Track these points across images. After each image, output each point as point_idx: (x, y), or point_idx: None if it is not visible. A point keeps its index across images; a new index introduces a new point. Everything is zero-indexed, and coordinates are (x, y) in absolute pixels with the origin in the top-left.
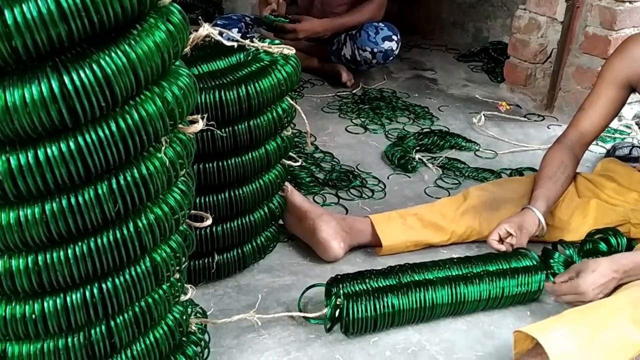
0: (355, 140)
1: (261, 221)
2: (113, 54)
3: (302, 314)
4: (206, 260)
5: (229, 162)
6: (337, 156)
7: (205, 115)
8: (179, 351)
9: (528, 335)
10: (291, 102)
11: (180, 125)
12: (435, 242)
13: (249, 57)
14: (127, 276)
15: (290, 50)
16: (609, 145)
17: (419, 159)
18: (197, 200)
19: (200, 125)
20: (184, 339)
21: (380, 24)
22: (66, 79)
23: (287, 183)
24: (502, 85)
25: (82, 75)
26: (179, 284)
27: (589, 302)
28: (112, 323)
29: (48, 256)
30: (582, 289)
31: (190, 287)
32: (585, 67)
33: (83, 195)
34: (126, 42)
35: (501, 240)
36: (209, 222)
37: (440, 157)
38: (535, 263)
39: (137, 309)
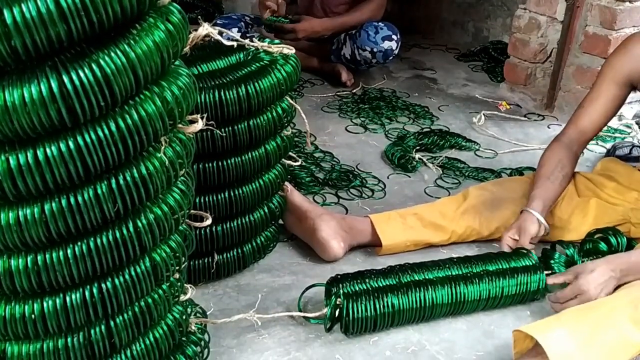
0: (355, 140)
1: (261, 221)
2: (112, 54)
3: (302, 314)
4: (206, 260)
5: (229, 161)
6: (337, 156)
7: (205, 115)
8: (179, 351)
9: (528, 334)
10: (291, 101)
11: (179, 125)
12: (435, 242)
13: (249, 57)
14: (127, 276)
15: (290, 50)
16: (609, 145)
17: (419, 158)
18: (197, 200)
19: (199, 125)
20: (183, 338)
21: (380, 23)
22: (65, 79)
23: (287, 183)
24: (502, 85)
25: (82, 75)
26: (179, 283)
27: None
28: (112, 323)
29: (47, 256)
30: (585, 288)
31: (190, 287)
32: (586, 66)
33: (82, 195)
34: (125, 42)
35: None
36: (208, 222)
37: (440, 156)
38: (534, 263)
39: (136, 309)
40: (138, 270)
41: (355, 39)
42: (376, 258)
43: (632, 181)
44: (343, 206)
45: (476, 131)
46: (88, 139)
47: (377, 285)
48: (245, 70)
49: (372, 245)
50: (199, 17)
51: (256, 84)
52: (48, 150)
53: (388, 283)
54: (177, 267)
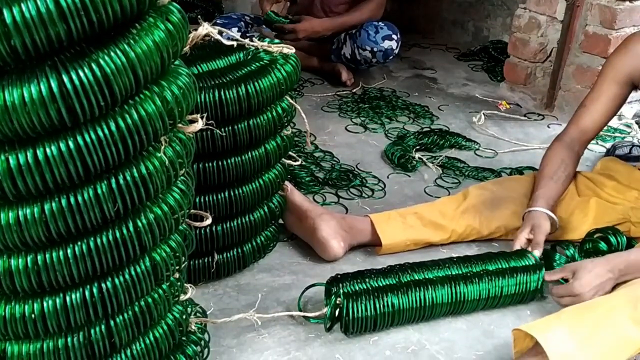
0: (355, 140)
1: (261, 220)
2: (112, 54)
3: (302, 314)
4: (206, 260)
5: (229, 161)
6: (337, 155)
7: (205, 115)
8: (179, 351)
9: (527, 333)
10: (291, 101)
11: (179, 125)
12: (435, 241)
13: (249, 57)
14: (127, 276)
15: (289, 50)
16: (609, 145)
17: (419, 158)
18: (197, 200)
19: (199, 125)
20: (183, 338)
21: (380, 23)
22: (65, 79)
23: (287, 182)
24: (502, 85)
25: (81, 74)
26: (179, 283)
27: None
28: (112, 323)
29: (47, 256)
30: (578, 291)
31: (190, 287)
32: (585, 66)
33: (82, 194)
34: (125, 42)
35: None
36: (208, 221)
37: (440, 156)
38: (534, 262)
39: (136, 309)
40: (138, 270)
41: (355, 39)
42: (376, 258)
43: (632, 180)
44: (343, 206)
45: (476, 131)
46: (88, 139)
47: (377, 285)
48: (245, 69)
49: (372, 245)
50: (199, 16)
51: (256, 83)
52: (48, 150)
53: (388, 283)
54: (177, 267)
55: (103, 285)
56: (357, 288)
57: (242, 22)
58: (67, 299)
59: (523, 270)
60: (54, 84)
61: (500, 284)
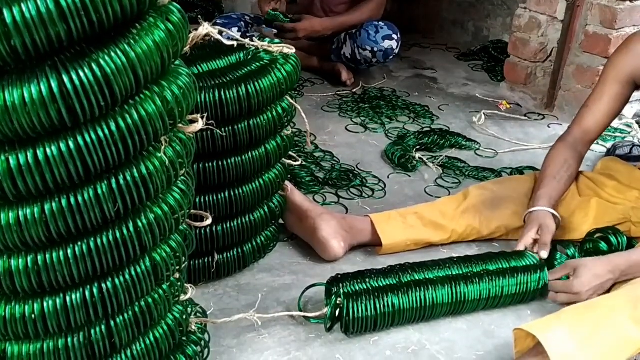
0: (355, 140)
1: (261, 220)
2: (112, 54)
3: (302, 314)
4: (206, 260)
5: (229, 161)
6: (337, 155)
7: (205, 115)
8: (179, 351)
9: (529, 333)
10: (291, 101)
11: (180, 125)
12: (435, 241)
13: (249, 56)
14: (127, 276)
15: (290, 50)
16: (609, 144)
17: (419, 158)
18: (197, 200)
19: (200, 125)
20: (184, 338)
21: (380, 22)
22: (65, 79)
23: (287, 182)
24: (502, 84)
25: (82, 74)
26: (179, 283)
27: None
28: (112, 323)
29: (48, 256)
30: (577, 290)
31: (190, 287)
32: (586, 66)
33: (83, 195)
34: (126, 42)
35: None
36: (208, 221)
37: (441, 156)
38: (535, 262)
39: (137, 309)
40: (138, 270)
41: (355, 39)
42: (376, 258)
43: (633, 180)
44: (343, 206)
45: (476, 130)
46: (88, 139)
47: (377, 285)
48: (246, 69)
49: (373, 245)
50: (199, 16)
51: (256, 83)
52: (48, 150)
53: (388, 283)
54: (177, 267)
55: (103, 285)
56: (358, 288)
57: (242, 22)
58: (68, 299)
59: (524, 270)
60: (54, 84)
61: (501, 284)
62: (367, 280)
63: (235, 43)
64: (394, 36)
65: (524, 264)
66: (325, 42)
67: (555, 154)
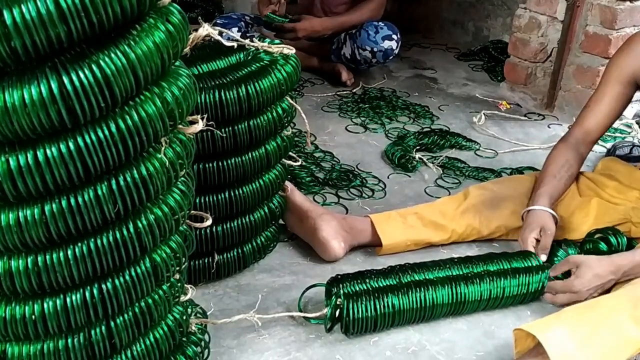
0: (355, 140)
1: (261, 221)
2: (112, 55)
3: (302, 314)
4: (206, 260)
5: (229, 162)
6: (337, 155)
7: (205, 115)
8: (179, 351)
9: (529, 334)
10: (291, 101)
11: (180, 126)
12: (435, 241)
13: (249, 57)
14: (127, 277)
15: (290, 50)
16: (609, 145)
17: (419, 158)
18: (197, 200)
19: (200, 126)
20: (184, 339)
21: (380, 23)
22: (65, 80)
23: (287, 182)
24: (502, 85)
25: (82, 75)
26: (179, 284)
27: (583, 300)
28: (112, 324)
29: (48, 257)
30: (577, 289)
31: (190, 288)
32: (586, 66)
33: (83, 196)
34: (126, 43)
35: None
36: (209, 222)
37: (441, 156)
38: (536, 263)
39: (137, 310)
40: (138, 270)
41: (355, 39)
42: (376, 258)
43: (633, 180)
44: (343, 206)
45: (476, 131)
46: (88, 140)
47: (377, 286)
48: (246, 70)
49: (373, 245)
50: (199, 16)
51: (256, 84)
52: (48, 151)
53: (388, 283)
54: (177, 268)
55: (103, 286)
56: (358, 288)
57: (242, 22)
58: (68, 300)
59: (525, 271)
60: (54, 85)
61: (501, 284)
62: (367, 280)
63: (235, 44)
64: (394, 36)
65: (526, 264)
66: (325, 42)
67: (557, 154)
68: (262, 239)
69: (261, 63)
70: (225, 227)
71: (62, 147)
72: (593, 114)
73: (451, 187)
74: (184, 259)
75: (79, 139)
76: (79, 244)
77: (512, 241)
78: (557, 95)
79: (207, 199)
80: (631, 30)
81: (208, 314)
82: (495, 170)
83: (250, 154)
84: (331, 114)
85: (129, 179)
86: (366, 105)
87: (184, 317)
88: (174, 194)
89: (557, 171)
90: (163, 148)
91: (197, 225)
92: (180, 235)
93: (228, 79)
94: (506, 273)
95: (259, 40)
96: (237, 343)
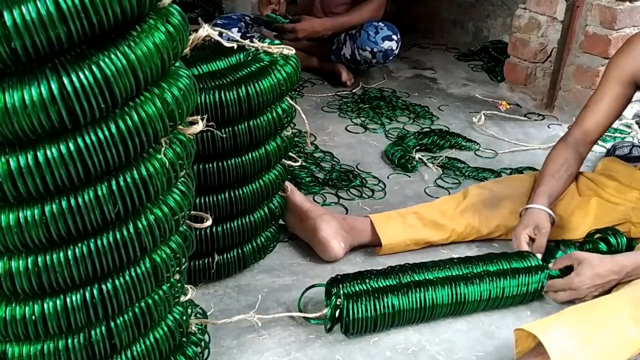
0: (355, 140)
1: (261, 221)
2: (112, 56)
3: (302, 314)
4: (206, 261)
5: (229, 162)
6: (337, 156)
7: (205, 116)
8: (179, 352)
9: (529, 334)
10: (291, 102)
11: (180, 126)
12: (435, 241)
13: (249, 58)
14: (127, 277)
15: (290, 51)
16: (609, 145)
17: (419, 158)
18: (197, 201)
19: (200, 126)
20: (184, 339)
21: (380, 23)
22: (65, 81)
23: (287, 183)
24: (502, 85)
25: (82, 76)
26: (179, 284)
27: (582, 298)
28: (112, 324)
29: (48, 257)
30: (576, 286)
31: (190, 288)
32: (586, 66)
33: (83, 196)
34: (126, 44)
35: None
36: (209, 222)
37: (440, 156)
38: (536, 263)
39: (137, 310)
40: (138, 271)
41: (355, 39)
42: (376, 258)
43: (633, 180)
44: (343, 206)
45: (476, 131)
46: (88, 141)
47: (377, 286)
48: (246, 70)
49: (373, 245)
50: (199, 17)
51: (256, 84)
52: (48, 152)
53: (388, 283)
54: (177, 268)
55: (103, 286)
56: (357, 289)
57: (242, 23)
58: (68, 300)
59: (525, 271)
60: (54, 86)
61: (501, 285)
62: (367, 281)
63: (235, 44)
64: (394, 37)
65: (525, 265)
66: (325, 42)
67: (556, 153)
68: (262, 239)
69: (261, 63)
70: (225, 227)
71: (62, 147)
72: (592, 114)
73: (451, 187)
74: (184, 259)
75: (79, 140)
76: (79, 245)
77: (511, 241)
78: (556, 95)
79: (207, 200)
80: (631, 31)
81: (208, 314)
82: (495, 171)
83: (250, 154)
84: (331, 114)
85: (129, 179)
86: (366, 106)
87: (184, 318)
88: (174, 195)
89: (556, 171)
90: (163, 149)
91: (197, 225)
92: (180, 236)
93: (228, 79)
94: (506, 273)
95: (259, 40)
96: (237, 343)
